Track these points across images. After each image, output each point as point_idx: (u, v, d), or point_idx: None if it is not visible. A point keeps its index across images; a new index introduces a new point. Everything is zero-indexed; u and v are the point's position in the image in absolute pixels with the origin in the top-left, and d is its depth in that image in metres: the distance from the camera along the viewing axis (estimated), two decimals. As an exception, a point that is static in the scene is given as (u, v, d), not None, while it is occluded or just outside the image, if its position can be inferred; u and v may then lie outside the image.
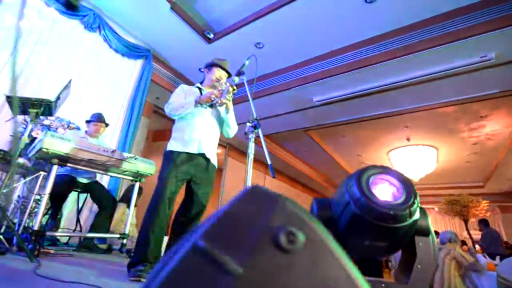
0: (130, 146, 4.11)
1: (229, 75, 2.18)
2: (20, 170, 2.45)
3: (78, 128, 3.10)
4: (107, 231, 2.61)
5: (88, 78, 3.85)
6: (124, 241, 2.53)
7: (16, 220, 2.21)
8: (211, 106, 1.95)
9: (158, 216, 1.61)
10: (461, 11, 3.38)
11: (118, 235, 2.54)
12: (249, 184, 1.41)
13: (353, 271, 0.25)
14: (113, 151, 2.38)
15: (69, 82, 2.22)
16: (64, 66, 3.60)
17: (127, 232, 2.57)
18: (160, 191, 1.64)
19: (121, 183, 3.89)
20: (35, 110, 1.90)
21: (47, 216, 2.61)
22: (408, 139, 7.33)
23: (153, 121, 6.33)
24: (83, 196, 2.95)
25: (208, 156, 1.88)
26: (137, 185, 2.69)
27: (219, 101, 1.79)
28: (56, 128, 2.89)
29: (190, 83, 5.61)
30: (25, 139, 2.01)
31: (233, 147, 7.93)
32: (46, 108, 1.94)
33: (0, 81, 3.00)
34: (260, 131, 1.46)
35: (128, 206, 3.25)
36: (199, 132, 1.86)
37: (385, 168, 0.88)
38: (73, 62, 3.71)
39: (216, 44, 4.48)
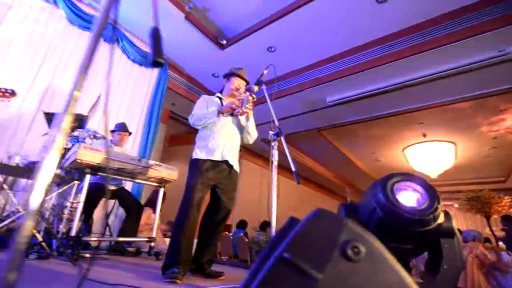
0: (150, 152, 4.28)
1: (247, 83, 2.26)
2: (55, 180, 2.62)
3: (103, 138, 3.27)
4: (136, 235, 2.76)
5: (110, 89, 4.03)
6: (152, 244, 2.66)
7: (52, 227, 2.37)
8: (232, 114, 2.04)
9: (189, 220, 1.71)
10: (476, 6, 3.34)
11: (147, 239, 2.67)
12: (274, 190, 1.48)
13: (406, 276, 0.33)
14: (139, 160, 2.52)
15: (98, 97, 2.36)
16: (88, 80, 3.78)
17: (154, 235, 2.71)
18: (189, 197, 1.75)
19: (143, 188, 4.05)
20: (70, 124, 2.05)
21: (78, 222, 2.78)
22: (424, 135, 7.23)
23: (168, 126, 6.51)
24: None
25: (231, 163, 1.97)
26: (161, 190, 2.82)
27: (240, 111, 1.88)
28: (84, 139, 3.05)
29: (204, 88, 5.76)
30: (62, 151, 2.15)
31: (247, 150, 8.03)
32: (80, 122, 2.09)
33: (31, 96, 3.21)
34: (283, 138, 1.54)
35: (154, 211, 3.40)
36: (222, 141, 1.96)
37: (409, 175, 0.94)
38: (95, 75, 3.89)
39: (229, 50, 4.59)
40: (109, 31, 4.00)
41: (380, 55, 4.22)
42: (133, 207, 2.82)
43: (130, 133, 3.18)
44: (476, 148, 7.49)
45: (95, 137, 3.06)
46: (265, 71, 1.98)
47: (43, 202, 1.98)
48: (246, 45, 4.42)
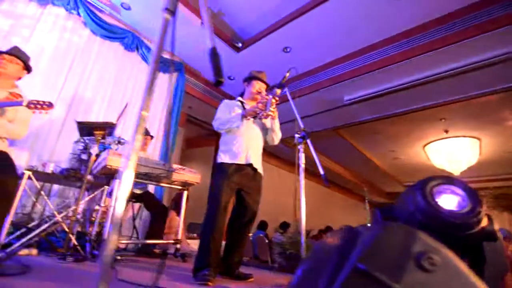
0: (171, 155, 4.38)
1: (268, 86, 2.28)
2: (79, 185, 2.74)
3: (126, 142, 3.38)
4: (162, 237, 2.84)
5: (130, 96, 4.16)
6: (178, 246, 2.73)
7: (85, 231, 2.48)
8: (254, 117, 2.06)
9: (217, 224, 1.75)
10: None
11: (173, 241, 2.75)
12: (302, 194, 1.49)
13: (479, 284, 0.33)
14: (164, 164, 2.59)
15: (126, 105, 2.45)
16: (110, 87, 3.93)
17: (179, 237, 2.78)
18: (216, 201, 1.79)
19: (165, 191, 4.15)
20: (100, 132, 2.15)
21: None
22: (446, 131, 7.01)
23: (185, 129, 6.63)
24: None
25: (255, 166, 2.00)
26: (185, 193, 2.89)
27: (264, 114, 1.90)
28: (110, 144, 3.17)
29: (220, 91, 5.83)
30: (94, 158, 2.26)
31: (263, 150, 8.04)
32: (110, 130, 2.18)
33: (59, 104, 3.36)
34: (309, 141, 1.54)
35: (177, 213, 3.48)
36: (245, 144, 1.99)
37: (449, 178, 0.93)
38: (118, 82, 4.04)
39: (245, 52, 4.63)
40: (129, 39, 4.15)
41: (398, 51, 4.13)
42: (158, 210, 2.91)
43: (152, 137, 3.27)
44: (502, 143, 7.17)
45: (120, 142, 3.17)
46: (287, 74, 1.99)
47: (77, 207, 2.07)
48: (261, 46, 4.44)
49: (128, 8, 3.97)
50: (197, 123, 6.47)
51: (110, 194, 2.64)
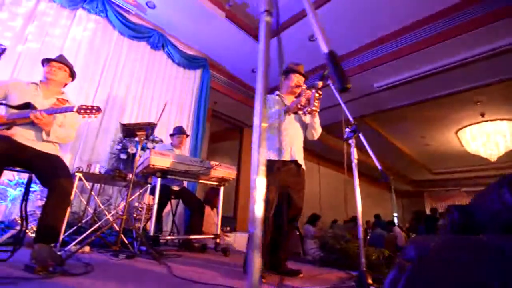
0: (200, 151, 4.44)
1: (306, 78, 2.22)
2: (124, 184, 2.83)
3: (161, 141, 3.45)
4: (201, 232, 2.91)
5: (159, 94, 4.23)
6: (218, 240, 2.78)
7: (137, 228, 2.57)
8: (295, 113, 2.01)
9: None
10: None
11: (212, 236, 2.80)
12: (357, 189, 1.44)
13: None
14: (201, 161, 2.62)
15: (165, 105, 2.48)
16: (140, 86, 4.01)
17: (218, 232, 2.83)
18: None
19: (197, 187, 4.23)
20: (143, 133, 2.20)
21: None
22: (482, 115, 6.61)
23: (210, 124, 6.69)
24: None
25: (300, 162, 1.97)
26: (221, 189, 2.92)
27: (309, 109, 1.84)
28: (146, 143, 3.25)
29: (244, 85, 5.79)
30: (138, 158, 2.32)
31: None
32: (151, 130, 2.22)
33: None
34: (361, 135, 1.48)
35: (211, 208, 3.55)
36: (289, 140, 1.96)
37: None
38: (147, 81, 4.11)
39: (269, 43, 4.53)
40: (155, 38, 4.18)
41: (432, 34, 3.89)
42: (196, 205, 2.97)
43: (187, 135, 3.31)
44: (545, 125, 6.66)
45: (154, 141, 3.24)
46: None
47: (127, 206, 2.14)
48: (286, 36, 4.33)
49: (153, 7, 3.98)
50: (222, 117, 6.49)
51: (151, 191, 2.72)
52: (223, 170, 2.77)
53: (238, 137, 6.99)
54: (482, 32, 3.56)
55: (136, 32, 4.00)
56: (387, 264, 2.23)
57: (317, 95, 1.86)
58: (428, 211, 12.19)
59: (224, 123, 7.02)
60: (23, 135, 1.75)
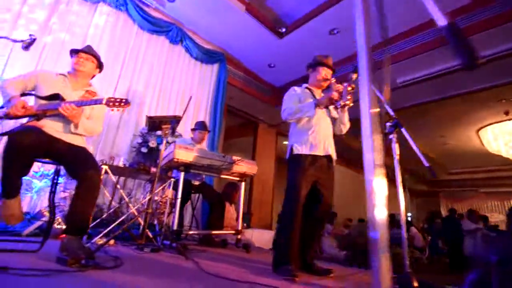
0: (217, 147, 4.41)
1: (334, 71, 2.14)
2: (147, 178, 2.82)
3: (180, 135, 3.43)
4: (222, 227, 2.88)
5: (177, 88, 4.21)
6: (239, 236, 2.74)
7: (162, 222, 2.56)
8: (326, 107, 1.94)
9: (297, 218, 1.70)
10: None
11: (234, 231, 2.77)
12: (399, 187, 1.36)
13: None
14: (224, 156, 2.58)
15: (190, 98, 2.45)
16: (159, 80, 4.00)
17: (240, 228, 2.79)
18: (295, 194, 1.72)
19: (214, 182, 4.21)
20: (167, 126, 2.17)
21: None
22: (506, 113, 6.35)
23: (225, 119, 6.65)
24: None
25: (333, 156, 1.91)
26: (242, 184, 2.87)
27: (342, 103, 1.77)
28: (162, 138, 3.22)
29: (260, 80, 5.72)
30: (162, 151, 2.29)
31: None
32: (175, 123, 2.19)
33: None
34: (404, 130, 1.40)
35: (230, 203, 3.52)
36: (322, 134, 1.89)
37: None
38: (166, 75, 4.09)
39: (288, 38, 4.44)
40: (174, 32, 4.15)
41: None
42: (216, 200, 2.94)
43: (209, 131, 3.28)
44: None
45: (173, 135, 3.21)
46: (364, 56, 1.82)
47: (151, 199, 2.12)
48: (306, 30, 4.23)
49: (173, 0, 3.95)
50: (236, 113, 6.44)
51: (172, 186, 2.70)
52: (244, 165, 2.73)
53: (252, 133, 6.93)
54: (510, 27, 3.38)
55: (155, 26, 3.97)
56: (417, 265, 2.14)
57: (349, 88, 1.78)
58: (443, 212, 11.90)
59: (238, 119, 6.97)
60: (52, 127, 1.73)
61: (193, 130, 3.18)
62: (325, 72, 2.07)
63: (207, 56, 4.58)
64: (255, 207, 6.06)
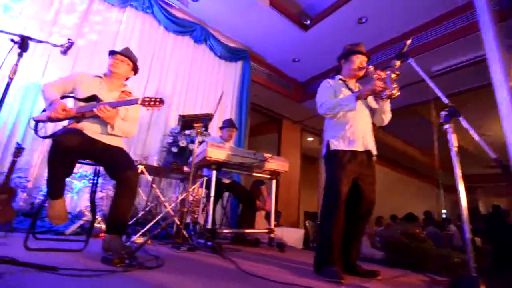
0: (244, 144, 4.38)
1: (369, 58, 2.01)
2: (179, 177, 2.84)
3: (209, 135, 3.42)
4: (254, 225, 2.84)
5: (203, 87, 4.22)
6: (272, 235, 2.68)
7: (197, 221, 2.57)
8: (362, 99, 1.81)
9: (338, 217, 1.60)
10: None
11: (266, 230, 2.72)
12: (459, 182, 1.23)
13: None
14: (255, 153, 2.52)
15: (221, 94, 2.42)
16: (186, 80, 4.03)
17: (272, 226, 2.73)
18: (336, 192, 1.62)
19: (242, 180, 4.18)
20: (200, 124, 2.15)
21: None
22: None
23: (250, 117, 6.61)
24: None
25: (373, 151, 1.79)
26: (274, 182, 2.81)
27: (388, 93, 1.64)
28: (194, 137, 3.23)
29: (285, 76, 5.61)
30: (195, 150, 2.28)
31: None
32: (208, 121, 2.17)
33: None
34: (462, 119, 1.26)
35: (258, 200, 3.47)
36: (361, 128, 1.78)
37: None
38: (192, 75, 4.12)
39: (313, 30, 4.30)
40: (198, 32, 4.16)
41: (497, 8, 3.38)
42: (247, 199, 2.90)
43: (237, 129, 3.25)
44: None
45: (202, 134, 3.20)
46: (408, 42, 1.68)
47: (187, 199, 2.11)
48: (333, 21, 4.07)
49: (196, 0, 3.95)
50: (260, 110, 6.38)
51: (204, 184, 2.69)
52: (276, 162, 2.66)
53: (276, 130, 6.84)
54: None
55: (180, 26, 4.00)
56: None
57: (394, 75, 1.64)
58: (481, 208, 11.12)
59: (262, 116, 6.91)
60: (91, 129, 1.76)
61: (221, 128, 3.16)
62: (359, 60, 1.94)
63: (231, 54, 4.56)
64: (281, 205, 5.98)
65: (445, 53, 4.11)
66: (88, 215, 2.41)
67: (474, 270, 1.13)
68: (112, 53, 1.93)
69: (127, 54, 1.93)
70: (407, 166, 10.84)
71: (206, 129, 2.32)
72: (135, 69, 2.02)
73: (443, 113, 1.31)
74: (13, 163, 2.01)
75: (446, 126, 1.31)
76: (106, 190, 2.76)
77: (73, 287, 0.99)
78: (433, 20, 3.95)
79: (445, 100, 1.37)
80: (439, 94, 1.41)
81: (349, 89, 1.92)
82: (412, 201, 11.13)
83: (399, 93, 1.65)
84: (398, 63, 1.67)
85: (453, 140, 1.29)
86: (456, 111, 1.30)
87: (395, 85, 1.63)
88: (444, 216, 10.87)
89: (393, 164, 10.24)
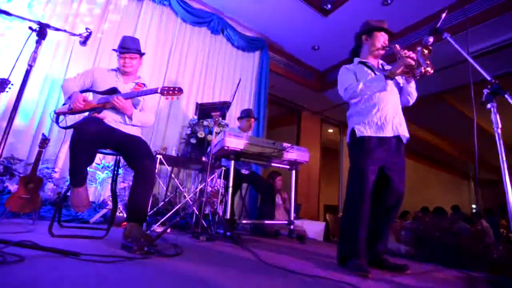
0: (262, 135, 4.31)
1: (392, 37, 1.85)
2: (198, 168, 2.83)
3: (227, 125, 3.39)
4: (273, 217, 2.79)
5: (220, 78, 4.18)
6: (292, 226, 2.62)
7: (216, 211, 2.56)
8: (391, 78, 1.66)
9: (364, 207, 1.50)
10: None
11: (286, 222, 2.65)
12: (505, 171, 1.09)
13: None
14: (274, 143, 2.45)
15: (239, 81, 2.36)
16: (204, 70, 4.01)
17: (292, 218, 2.67)
18: (362, 181, 1.52)
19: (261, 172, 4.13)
20: (217, 113, 2.11)
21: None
22: None
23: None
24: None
25: (404, 135, 1.65)
26: (293, 173, 2.73)
27: (423, 71, 1.49)
28: (213, 127, 3.20)
29: (304, 65, 5.45)
30: (214, 140, 2.25)
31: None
32: (225, 109, 2.13)
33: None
34: (508, 96, 1.11)
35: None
36: (391, 112, 1.64)
37: None
38: (209, 65, 4.09)
39: (334, 14, 4.11)
40: (215, 22, 4.10)
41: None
42: (267, 190, 2.85)
43: (256, 119, 3.18)
44: None
45: (220, 125, 3.17)
46: (443, 15, 1.51)
47: (206, 189, 2.09)
48: (356, 3, 3.86)
49: (213, -12, 3.88)
50: (278, 101, 6.25)
51: (222, 175, 2.66)
52: (296, 152, 2.57)
53: (295, 121, 6.70)
54: None
55: (197, 17, 3.97)
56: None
57: (426, 51, 1.49)
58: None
59: (280, 107, 6.78)
60: (112, 118, 1.79)
61: (239, 118, 3.11)
62: (383, 38, 1.80)
63: (248, 44, 4.47)
64: (301, 198, 5.88)
65: (484, 32, 3.76)
66: (110, 205, 2.46)
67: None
68: (120, 51, 1.89)
69: (130, 50, 1.89)
70: (436, 159, 10.29)
71: (224, 118, 2.26)
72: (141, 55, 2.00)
73: (485, 90, 1.16)
74: (39, 153, 2.07)
75: (489, 105, 1.16)
76: (128, 181, 2.81)
77: (93, 272, 0.98)
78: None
79: (488, 77, 1.22)
80: (481, 71, 1.26)
81: (373, 70, 1.78)
82: (442, 195, 10.59)
83: (433, 70, 1.49)
84: (431, 39, 1.51)
85: (498, 122, 1.14)
86: (501, 87, 1.15)
87: (428, 62, 1.49)
88: (474, 210, 10.26)
89: (422, 157, 9.77)
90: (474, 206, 11.37)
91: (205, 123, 3.16)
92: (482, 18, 3.61)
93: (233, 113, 3.96)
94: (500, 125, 1.15)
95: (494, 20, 3.53)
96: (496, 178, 11.92)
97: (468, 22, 3.68)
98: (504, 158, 1.11)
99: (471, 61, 1.35)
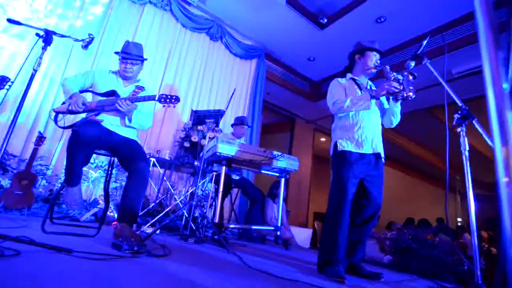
0: (255, 143, 4.40)
1: (382, 55, 1.98)
2: (190, 171, 2.90)
3: (220, 131, 3.46)
4: (262, 222, 2.86)
5: (217, 84, 4.27)
6: (278, 232, 2.70)
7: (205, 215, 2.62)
8: (377, 99, 1.78)
9: (344, 217, 1.60)
10: None
11: (273, 228, 2.73)
12: (470, 189, 1.20)
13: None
14: (265, 151, 2.54)
15: (234, 91, 2.45)
16: (201, 76, 4.09)
17: (279, 224, 2.75)
18: (342, 192, 1.62)
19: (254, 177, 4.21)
20: (211, 120, 2.19)
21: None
22: None
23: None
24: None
25: (381, 154, 1.76)
26: (282, 180, 2.82)
27: (405, 95, 1.61)
28: (207, 132, 3.28)
29: (298, 74, 5.58)
30: (206, 145, 2.33)
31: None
32: (219, 117, 2.21)
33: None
34: (475, 122, 1.23)
35: (274, 200, 3.49)
36: (370, 130, 1.75)
37: None
38: (207, 71, 4.18)
39: (330, 28, 4.26)
40: (214, 29, 4.20)
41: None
42: (256, 196, 2.93)
43: (249, 126, 3.27)
44: None
45: (214, 130, 3.24)
46: (424, 42, 1.64)
47: (196, 192, 2.16)
48: (350, 19, 4.01)
49: (213, -4, 3.99)
50: (273, 109, 6.38)
51: (213, 179, 2.73)
52: (286, 160, 2.66)
53: (289, 129, 6.83)
54: None
55: (197, 23, 4.07)
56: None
57: (411, 77, 1.61)
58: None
59: (275, 115, 6.90)
60: (109, 121, 1.84)
61: (233, 125, 3.20)
62: (375, 58, 1.91)
63: (246, 52, 4.58)
64: (291, 205, 5.97)
65: (468, 55, 3.96)
66: (102, 204, 2.51)
67: (480, 277, 1.11)
68: (122, 57, 1.95)
69: (132, 57, 1.94)
70: (423, 171, 10.53)
71: (217, 125, 2.35)
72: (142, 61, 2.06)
73: (456, 115, 1.27)
74: (35, 151, 2.12)
75: (459, 129, 1.28)
76: (120, 181, 2.86)
77: (85, 268, 1.04)
78: (453, 21, 3.82)
79: (459, 103, 1.34)
80: (454, 96, 1.38)
81: (361, 88, 1.89)
82: (431, 207, 10.81)
83: (414, 95, 1.61)
84: (413, 64, 1.63)
85: (465, 144, 1.25)
86: (470, 113, 1.26)
87: (411, 87, 1.60)
88: (459, 224, 10.48)
89: (409, 168, 9.99)
90: (459, 219, 11.64)
91: (200, 127, 3.23)
92: (467, 42, 3.80)
93: (228, 119, 4.05)
94: (467, 148, 1.27)
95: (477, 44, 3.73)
96: (484, 192, 12.22)
97: (457, 43, 3.87)
98: (470, 176, 1.22)
99: (445, 85, 1.46)
